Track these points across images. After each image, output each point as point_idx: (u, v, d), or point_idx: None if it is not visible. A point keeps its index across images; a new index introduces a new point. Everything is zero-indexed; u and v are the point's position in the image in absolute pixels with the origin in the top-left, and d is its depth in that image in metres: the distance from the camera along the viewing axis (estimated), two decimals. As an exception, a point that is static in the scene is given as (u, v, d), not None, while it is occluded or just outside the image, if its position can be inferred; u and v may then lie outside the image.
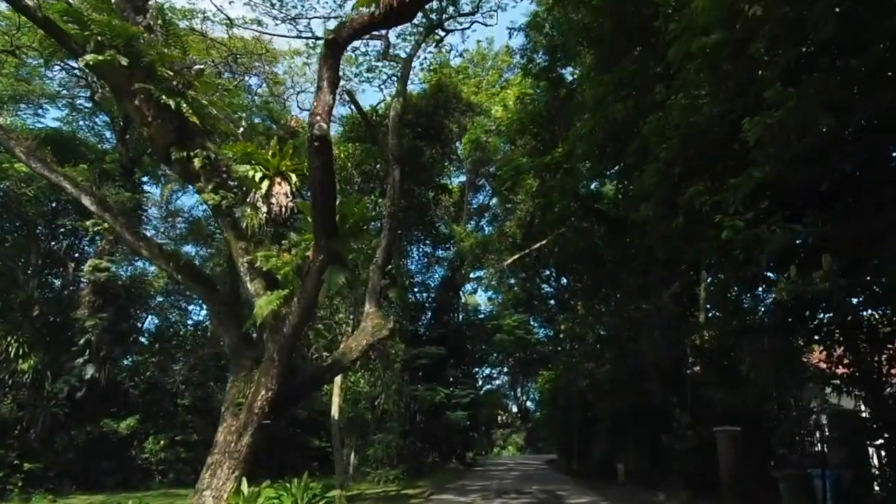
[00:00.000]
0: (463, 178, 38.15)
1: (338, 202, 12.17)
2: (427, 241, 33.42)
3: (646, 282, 22.29)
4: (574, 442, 30.53)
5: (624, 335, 22.14)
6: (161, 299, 31.47)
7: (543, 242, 35.15)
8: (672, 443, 17.89)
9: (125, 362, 28.09)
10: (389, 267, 19.60)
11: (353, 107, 23.74)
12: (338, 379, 18.26)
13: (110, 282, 24.92)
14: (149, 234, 23.95)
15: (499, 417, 66.08)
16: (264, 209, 13.18)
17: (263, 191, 13.13)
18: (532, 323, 32.33)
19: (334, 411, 18.12)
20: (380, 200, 22.74)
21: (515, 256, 35.92)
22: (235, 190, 13.72)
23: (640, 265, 22.00)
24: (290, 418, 37.29)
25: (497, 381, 65.09)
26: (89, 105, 28.76)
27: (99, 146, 29.63)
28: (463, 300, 34.93)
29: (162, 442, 27.05)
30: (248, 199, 13.50)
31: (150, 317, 32.04)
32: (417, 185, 24.32)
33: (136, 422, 25.70)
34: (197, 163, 12.93)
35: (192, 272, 14.66)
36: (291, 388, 13.29)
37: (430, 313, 32.44)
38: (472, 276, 35.59)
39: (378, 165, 23.87)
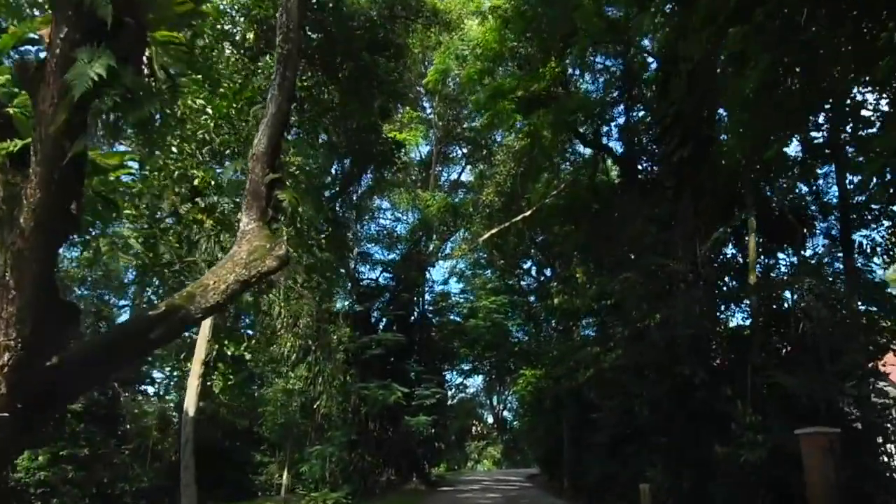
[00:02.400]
0: (429, 147, 32.03)
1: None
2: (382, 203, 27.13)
3: (671, 234, 16.35)
4: (566, 454, 24.27)
5: (644, 306, 16.05)
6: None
7: (527, 214, 29.32)
8: (731, 454, 11.81)
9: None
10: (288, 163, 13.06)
11: None
12: (202, 345, 11.70)
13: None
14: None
15: (473, 428, 59.97)
16: None
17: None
18: (510, 311, 26.20)
19: (187, 404, 11.24)
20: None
21: (493, 231, 29.91)
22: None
23: (664, 208, 16.07)
24: (229, 428, 30.78)
25: (471, 390, 59.11)
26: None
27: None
28: (430, 282, 28.66)
29: (41, 458, 21.13)
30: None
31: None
32: (365, 117, 18.10)
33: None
34: None
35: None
36: (68, 354, 6.74)
37: (387, 295, 26.04)
38: (440, 253, 29.31)
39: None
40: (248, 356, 25.78)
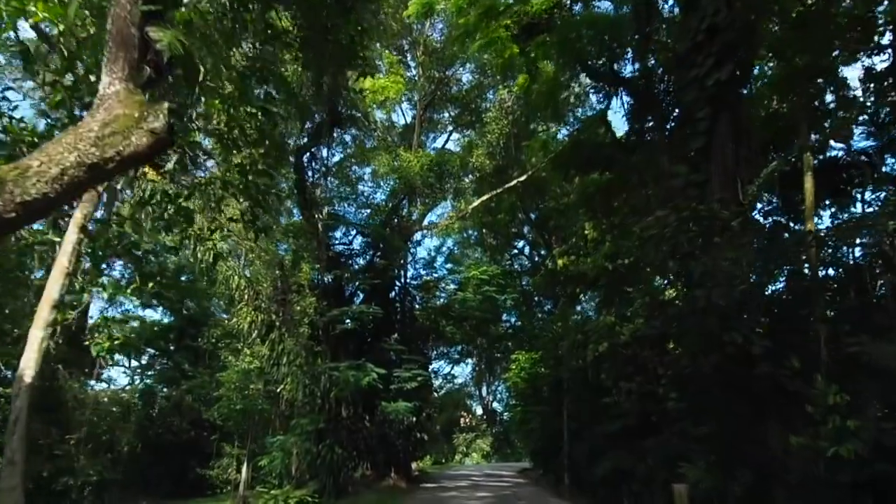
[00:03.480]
0: (412, 111, 28.62)
1: None
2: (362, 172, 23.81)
3: (705, 174, 13.25)
4: (566, 447, 21.18)
5: (669, 264, 12.92)
6: None
7: (522, 179, 26.17)
8: (808, 446, 8.74)
9: None
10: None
11: None
12: (56, 278, 8.34)
13: None
14: None
15: (461, 420, 56.96)
16: None
17: None
18: (503, 282, 22.91)
19: (23, 366, 7.73)
20: None
21: (484, 198, 26.76)
22: None
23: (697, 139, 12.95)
24: (195, 417, 27.24)
25: (459, 380, 56.45)
26: None
27: None
28: (413, 256, 25.40)
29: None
30: None
31: None
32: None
33: None
34: None
35: None
36: None
37: (363, 262, 22.76)
38: (425, 222, 26.07)
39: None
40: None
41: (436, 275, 25.63)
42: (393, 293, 24.67)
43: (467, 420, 57.92)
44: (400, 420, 20.19)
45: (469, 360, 58.24)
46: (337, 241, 21.39)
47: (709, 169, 13.31)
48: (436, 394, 39.00)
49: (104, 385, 37.54)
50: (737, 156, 12.99)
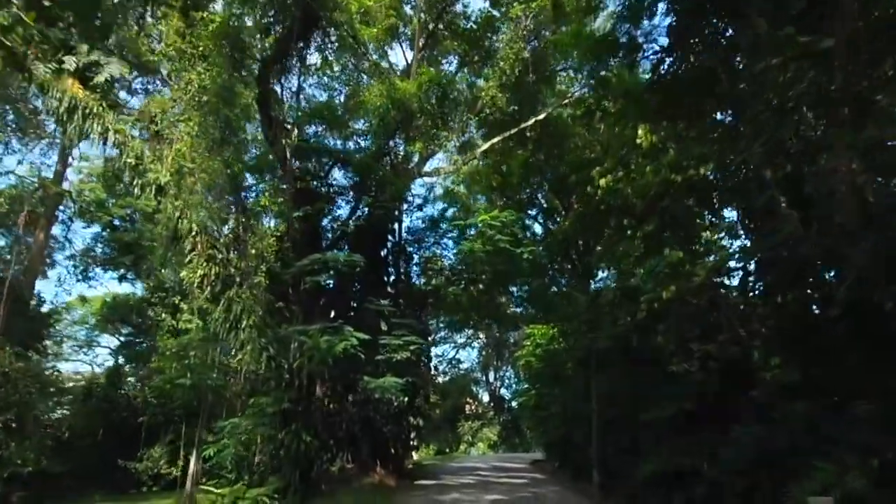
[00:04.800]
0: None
1: None
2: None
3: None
4: (595, 439, 16.96)
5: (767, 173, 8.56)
6: None
7: (541, 117, 21.85)
8: None
9: None
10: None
11: None
12: None
13: None
14: None
15: (467, 407, 53.15)
16: None
17: None
18: (520, 233, 18.42)
19: None
20: None
21: (495, 140, 22.44)
22: None
23: None
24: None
25: (465, 365, 53.73)
26: None
27: None
28: (411, 205, 21.04)
29: None
30: None
31: None
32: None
33: None
34: None
35: None
36: None
37: (344, 202, 18.47)
38: (425, 164, 21.73)
39: None
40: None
41: (439, 229, 21.20)
42: (385, 251, 20.41)
43: (473, 407, 54.37)
44: (388, 401, 15.99)
45: (475, 344, 55.36)
46: (311, 176, 17.01)
47: (831, 27, 8.90)
48: (437, 373, 34.77)
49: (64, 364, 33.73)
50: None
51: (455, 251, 19.08)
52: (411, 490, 15.69)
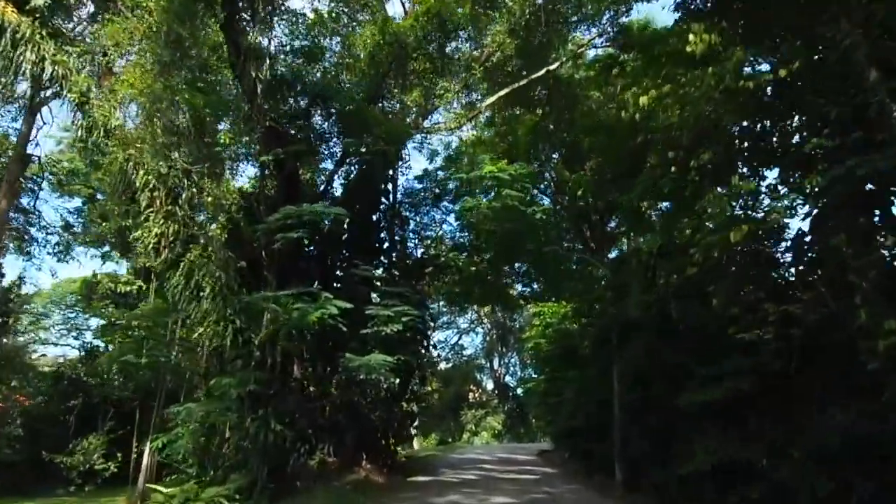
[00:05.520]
0: None
1: None
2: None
3: None
4: (617, 427, 14.53)
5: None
6: None
7: (553, 67, 19.35)
8: None
9: None
10: None
11: None
12: None
13: None
14: None
15: (470, 395, 51.10)
16: None
17: None
18: (530, 187, 15.74)
19: None
20: None
21: (503, 92, 19.97)
22: None
23: None
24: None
25: (468, 351, 51.99)
26: None
27: None
28: (406, 159, 18.45)
29: None
30: None
31: None
32: None
33: None
34: None
35: None
36: None
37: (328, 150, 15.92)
38: (428, 114, 19.12)
39: None
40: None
41: (435, 190, 18.59)
42: (377, 216, 17.92)
43: (476, 395, 52.29)
44: (376, 383, 13.57)
45: (479, 330, 53.31)
46: (287, 117, 14.35)
47: None
48: (438, 356, 32.17)
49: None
50: None
51: (457, 209, 16.46)
52: (401, 489, 13.27)
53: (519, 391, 46.42)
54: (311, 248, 15.80)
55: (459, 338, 51.36)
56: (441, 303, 42.15)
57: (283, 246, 12.86)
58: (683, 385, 11.02)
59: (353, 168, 17.03)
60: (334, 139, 15.82)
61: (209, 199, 12.95)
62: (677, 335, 11.11)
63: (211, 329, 13.33)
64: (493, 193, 14.72)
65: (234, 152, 13.74)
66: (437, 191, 18.40)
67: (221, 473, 13.18)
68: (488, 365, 53.26)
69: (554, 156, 24.30)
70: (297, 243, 14.50)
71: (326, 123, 15.41)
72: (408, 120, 18.94)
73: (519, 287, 25.29)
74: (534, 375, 34.57)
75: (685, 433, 11.64)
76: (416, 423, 22.88)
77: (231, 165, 13.91)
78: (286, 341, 13.50)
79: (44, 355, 29.83)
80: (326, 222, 13.40)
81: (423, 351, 15.52)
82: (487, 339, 52.15)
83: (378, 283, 14.37)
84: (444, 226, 19.54)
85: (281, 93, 14.12)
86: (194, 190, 14.08)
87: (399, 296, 13.65)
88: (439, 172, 19.03)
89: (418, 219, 18.97)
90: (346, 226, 17.13)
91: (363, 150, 14.76)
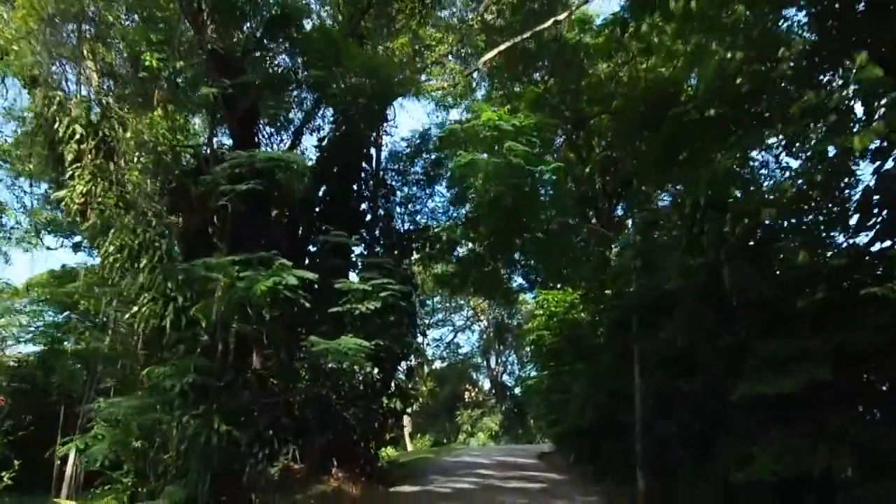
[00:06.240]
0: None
1: None
2: None
3: None
4: (639, 427, 12.10)
5: None
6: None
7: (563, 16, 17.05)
8: None
9: None
10: None
11: None
12: None
13: None
14: None
15: (466, 394, 49.76)
16: None
17: None
18: (537, 143, 13.30)
19: None
20: None
21: (503, 47, 17.70)
22: None
23: None
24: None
25: (464, 349, 50.52)
26: None
27: None
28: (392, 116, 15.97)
29: None
30: None
31: None
32: None
33: None
34: None
35: None
36: None
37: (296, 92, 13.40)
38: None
39: None
40: None
41: (425, 153, 16.11)
42: (358, 184, 15.46)
43: (473, 395, 50.79)
44: (350, 373, 11.10)
45: (476, 327, 51.80)
46: (239, 47, 11.82)
47: None
48: (429, 345, 29.58)
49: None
50: None
51: (451, 167, 13.94)
52: (380, 502, 10.78)
53: (517, 390, 44.56)
54: (275, 213, 13.36)
55: (455, 335, 49.78)
56: (436, 298, 39.83)
57: (233, 203, 10.39)
58: (737, 372, 8.63)
59: (327, 125, 14.56)
60: (304, 90, 13.27)
61: (128, 134, 10.43)
62: (729, 309, 8.69)
63: (147, 308, 10.87)
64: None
65: (170, 82, 11.20)
66: (428, 156, 15.87)
67: (163, 483, 10.73)
68: (485, 363, 51.61)
69: (558, 139, 21.79)
70: (257, 207, 12.06)
71: (290, 58, 12.86)
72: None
73: (518, 280, 22.95)
74: (534, 373, 32.38)
75: (736, 432, 9.24)
76: (402, 423, 20.35)
77: (178, 110, 11.39)
78: (242, 323, 11.07)
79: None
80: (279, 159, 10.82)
81: (409, 338, 13.01)
82: (484, 336, 50.29)
83: (355, 257, 11.86)
84: (437, 198, 17.02)
85: (232, 16, 11.60)
86: (133, 141, 11.60)
87: (379, 268, 11.19)
88: (431, 135, 16.46)
89: (406, 189, 16.48)
90: (321, 194, 14.76)
91: (338, 93, 12.26)
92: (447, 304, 49.03)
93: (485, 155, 12.01)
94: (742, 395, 8.43)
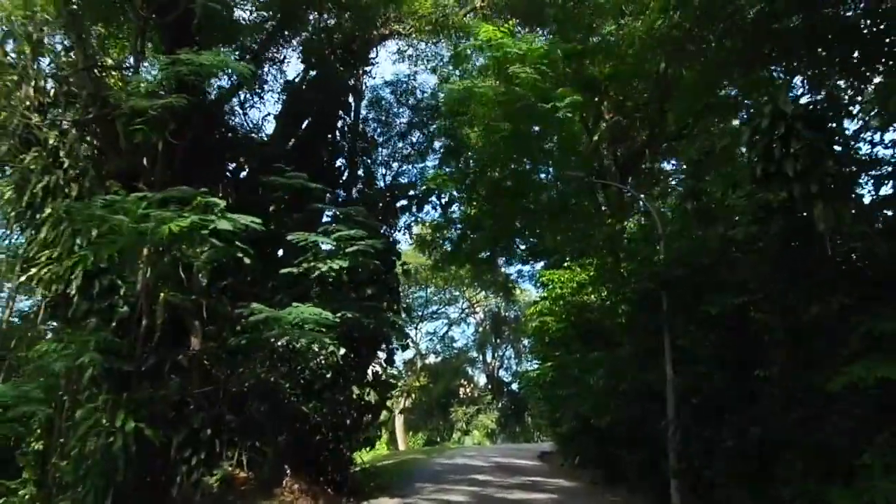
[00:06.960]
0: None
1: None
2: None
3: None
4: (674, 427, 9.64)
5: None
6: None
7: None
8: None
9: None
10: None
11: None
12: None
13: None
14: None
15: (461, 390, 48.02)
16: None
17: None
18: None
19: None
20: None
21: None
22: None
23: None
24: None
25: (458, 343, 48.15)
26: None
27: None
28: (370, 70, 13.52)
29: None
30: None
31: None
32: None
33: None
34: None
35: None
36: None
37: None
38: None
39: None
40: None
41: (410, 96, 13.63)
42: (334, 135, 13.00)
43: (468, 391, 49.04)
44: (307, 353, 8.66)
45: (471, 321, 50.26)
46: None
47: None
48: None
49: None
50: None
51: (442, 98, 11.40)
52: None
53: (514, 386, 43.26)
54: (233, 165, 10.88)
55: (449, 328, 47.40)
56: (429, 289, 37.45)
57: (165, 141, 7.88)
58: (829, 359, 6.22)
59: (296, 61, 12.08)
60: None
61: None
62: (822, 266, 6.24)
63: (51, 270, 8.40)
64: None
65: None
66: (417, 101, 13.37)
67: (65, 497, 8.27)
68: (481, 358, 49.61)
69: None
70: (202, 153, 9.60)
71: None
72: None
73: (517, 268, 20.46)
74: (535, 364, 30.28)
75: (830, 438, 6.80)
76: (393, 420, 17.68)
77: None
78: (175, 292, 8.61)
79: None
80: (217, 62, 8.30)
81: (390, 314, 10.45)
82: (480, 329, 48.30)
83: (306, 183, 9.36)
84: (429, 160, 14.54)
85: None
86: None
87: (348, 220, 8.73)
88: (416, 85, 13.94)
89: (390, 144, 14.00)
90: (289, 147, 12.29)
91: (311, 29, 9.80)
92: (442, 297, 47.30)
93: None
94: (842, 384, 6.01)
